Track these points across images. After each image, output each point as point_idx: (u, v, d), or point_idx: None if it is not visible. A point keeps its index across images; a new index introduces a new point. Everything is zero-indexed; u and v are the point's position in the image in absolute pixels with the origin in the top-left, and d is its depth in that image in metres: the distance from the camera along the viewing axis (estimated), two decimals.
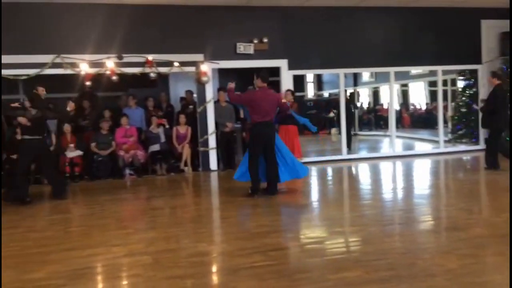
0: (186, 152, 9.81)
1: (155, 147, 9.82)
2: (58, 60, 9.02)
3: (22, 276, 3.90)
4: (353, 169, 9.95)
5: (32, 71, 8.95)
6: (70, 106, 7.68)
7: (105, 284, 3.83)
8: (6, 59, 8.73)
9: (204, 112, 10.05)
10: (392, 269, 3.75)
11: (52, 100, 11.07)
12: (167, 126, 9.97)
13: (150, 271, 3.92)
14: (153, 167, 9.89)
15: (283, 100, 7.46)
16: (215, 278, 3.85)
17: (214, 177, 9.53)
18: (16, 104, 7.75)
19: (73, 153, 9.23)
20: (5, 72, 8.85)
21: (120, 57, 9.32)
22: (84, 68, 9.13)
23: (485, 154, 8.92)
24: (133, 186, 8.83)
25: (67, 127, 9.43)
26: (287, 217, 6.11)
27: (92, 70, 9.21)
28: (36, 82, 9.49)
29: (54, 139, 9.40)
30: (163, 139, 9.91)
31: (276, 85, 10.51)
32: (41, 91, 7.63)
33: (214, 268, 4.09)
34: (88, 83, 9.38)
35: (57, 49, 9.01)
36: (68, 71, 9.15)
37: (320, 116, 15.96)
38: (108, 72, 9.29)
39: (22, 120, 7.20)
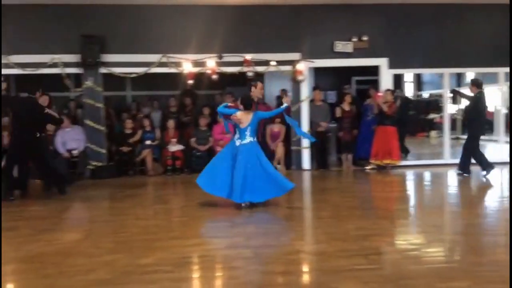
0: (280, 150, 9.89)
1: None
2: (164, 60, 9.54)
3: (133, 261, 4.18)
4: (456, 175, 9.39)
5: (140, 70, 9.54)
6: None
7: (208, 273, 3.98)
8: (116, 58, 9.41)
9: (298, 111, 10.07)
10: (505, 282, 3.49)
11: (156, 97, 11.80)
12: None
13: (251, 264, 4.01)
14: None
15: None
16: (315, 277, 3.84)
17: (306, 177, 9.52)
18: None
19: (175, 147, 9.72)
20: (115, 70, 9.54)
21: (220, 57, 9.64)
22: (187, 67, 9.56)
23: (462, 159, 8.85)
24: None
25: (170, 123, 9.95)
26: (386, 221, 5.92)
27: (194, 69, 9.62)
28: (143, 80, 10.17)
29: (158, 134, 9.97)
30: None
31: (375, 85, 10.26)
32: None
33: (314, 267, 4.09)
34: (190, 81, 9.80)
35: (163, 49, 9.52)
36: (172, 70, 9.62)
37: (419, 117, 15.28)
38: (208, 71, 9.65)
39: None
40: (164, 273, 3.87)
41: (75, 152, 9.25)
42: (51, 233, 5.36)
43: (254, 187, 6.12)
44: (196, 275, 3.91)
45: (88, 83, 9.39)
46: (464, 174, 8.73)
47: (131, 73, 9.65)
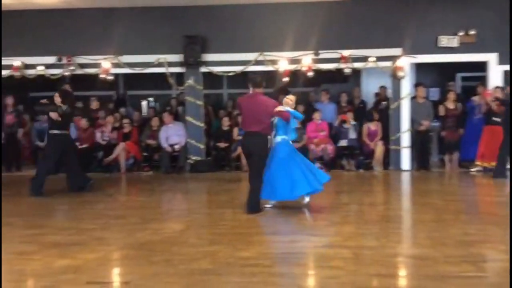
0: (379, 149, 9.61)
1: (343, 142, 9.87)
2: (260, 58, 9.69)
3: (233, 253, 4.29)
4: None
5: (238, 68, 9.78)
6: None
7: (307, 271, 3.97)
8: (216, 57, 9.75)
9: (398, 109, 9.70)
10: None
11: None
12: (352, 123, 9.87)
13: (352, 265, 3.93)
14: (340, 162, 9.97)
15: (278, 109, 5.81)
16: (421, 282, 3.67)
17: (405, 177, 9.15)
18: (45, 101, 8.14)
19: None
20: (215, 69, 9.88)
21: (316, 54, 9.58)
22: (283, 65, 9.62)
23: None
24: None
25: None
26: (494, 227, 5.49)
27: (290, 67, 9.65)
28: (238, 78, 10.41)
29: None
30: (352, 135, 9.89)
31: (482, 81, 9.58)
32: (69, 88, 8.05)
33: (418, 271, 3.91)
34: (285, 79, 9.86)
35: (260, 48, 9.67)
36: (269, 68, 9.75)
37: None
38: (304, 69, 9.64)
39: (53, 115, 7.39)
40: (264, 267, 3.93)
41: (176, 147, 9.74)
42: (157, 222, 5.69)
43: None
44: (295, 271, 3.92)
45: (190, 81, 9.82)
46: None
47: (229, 72, 9.93)
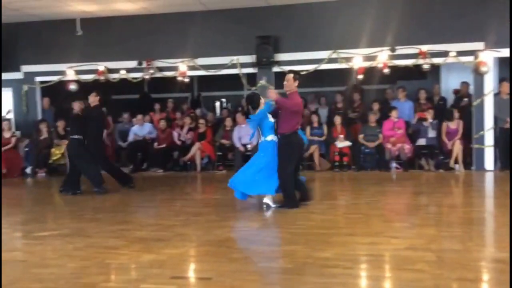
0: (457, 149, 9.16)
1: (422, 141, 9.50)
2: (334, 56, 9.57)
3: (312, 253, 4.27)
4: None
5: (310, 67, 9.73)
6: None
7: (390, 273, 3.87)
8: (288, 56, 9.76)
9: (481, 106, 9.18)
10: None
11: (322, 93, 11.92)
12: (430, 121, 9.46)
13: (436, 269, 3.77)
14: (419, 162, 9.60)
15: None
16: None
17: (489, 178, 8.64)
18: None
19: (342, 143, 9.70)
20: (286, 68, 9.85)
21: (393, 50, 9.30)
22: (358, 62, 9.44)
23: None
24: (400, 180, 8.74)
25: (337, 119, 9.95)
26: None
27: (365, 64, 9.44)
28: (309, 77, 10.33)
29: (325, 130, 10.05)
30: (431, 133, 9.49)
31: None
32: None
33: (503, 277, 3.67)
34: (359, 76, 9.67)
35: (333, 45, 9.56)
36: (342, 66, 9.60)
37: None
38: (380, 65, 9.39)
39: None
40: (344, 268, 3.87)
41: (249, 146, 9.86)
42: (233, 220, 5.81)
43: None
44: (376, 274, 3.83)
45: (262, 81, 9.91)
46: None
47: (301, 71, 9.87)
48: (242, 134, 9.95)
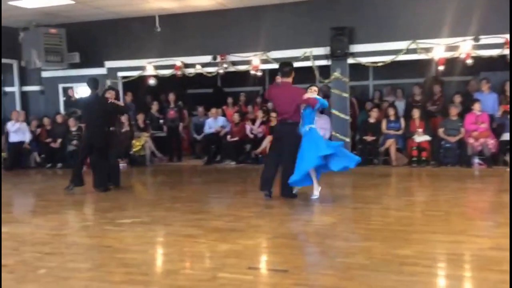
0: None
1: (506, 136, 8.89)
2: (412, 46, 9.20)
3: (390, 250, 4.14)
4: None
5: (387, 58, 9.42)
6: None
7: (473, 273, 3.67)
8: (364, 47, 9.52)
9: None
10: None
11: (398, 85, 11.51)
12: None
13: None
14: (503, 158, 9.01)
15: (306, 96, 6.11)
16: None
17: None
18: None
19: (421, 137, 9.32)
20: (362, 60, 9.65)
21: (476, 39, 8.77)
22: (438, 52, 9.00)
23: None
24: (483, 176, 8.26)
25: (415, 112, 9.56)
26: None
27: (446, 54, 8.99)
28: (385, 68, 10.01)
29: (403, 123, 9.70)
30: None
31: None
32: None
33: None
34: (440, 67, 9.22)
35: (412, 35, 9.18)
36: (421, 57, 9.20)
37: None
38: (462, 56, 8.89)
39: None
40: (424, 267, 3.73)
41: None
42: (307, 214, 5.78)
43: None
44: (459, 273, 3.65)
45: (336, 73, 9.74)
46: None
47: (377, 62, 9.62)
48: (316, 126, 9.83)
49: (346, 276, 3.58)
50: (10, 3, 9.23)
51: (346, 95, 9.85)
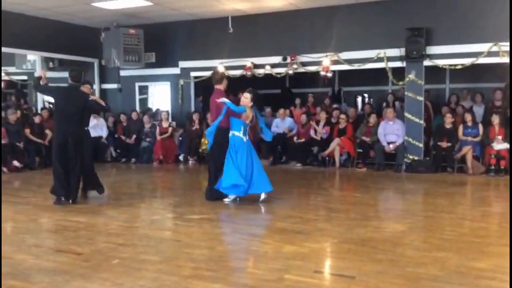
0: None
1: None
2: (494, 49, 8.68)
3: (465, 262, 3.93)
4: None
5: (466, 61, 8.96)
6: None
7: None
8: (441, 49, 9.11)
9: None
10: None
11: (477, 90, 10.91)
12: None
13: None
14: None
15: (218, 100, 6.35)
16: None
17: None
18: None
19: (500, 145, 8.76)
20: (439, 62, 9.24)
21: None
22: None
23: None
24: None
25: (495, 118, 9.00)
26: None
27: None
28: (463, 72, 9.51)
29: (481, 130, 9.17)
30: None
31: None
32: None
33: None
34: None
35: (494, 37, 8.66)
36: (504, 60, 8.65)
37: None
38: None
39: None
40: (501, 282, 3.50)
41: (393, 145, 9.46)
42: (377, 220, 5.61)
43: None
44: None
45: (411, 76, 9.40)
46: None
47: (456, 65, 9.17)
48: (388, 130, 9.58)
49: (417, 286, 3.43)
50: (94, 4, 9.75)
51: (420, 98, 9.47)
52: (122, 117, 11.63)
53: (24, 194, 7.23)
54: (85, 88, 6.93)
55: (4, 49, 10.16)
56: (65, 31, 11.21)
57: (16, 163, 9.65)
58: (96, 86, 12.55)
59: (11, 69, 13.24)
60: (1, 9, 8.62)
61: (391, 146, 9.48)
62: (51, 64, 12.30)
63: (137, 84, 12.38)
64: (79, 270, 3.79)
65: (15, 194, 7.31)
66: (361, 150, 9.99)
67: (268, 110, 11.85)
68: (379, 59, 9.63)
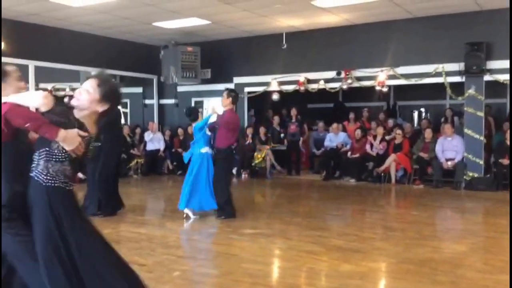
0: None
1: None
2: None
3: None
4: None
5: None
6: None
7: None
8: (502, 64, 8.79)
9: None
10: None
11: None
12: None
13: None
14: None
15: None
16: None
17: None
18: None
19: None
20: (499, 77, 8.93)
21: None
22: None
23: None
24: None
25: None
26: None
27: None
28: None
29: None
30: None
31: None
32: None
33: None
34: None
35: None
36: None
37: None
38: None
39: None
40: None
41: (452, 162, 9.19)
42: (435, 240, 5.48)
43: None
44: None
45: (470, 91, 9.13)
46: None
47: None
48: (446, 147, 9.33)
49: None
50: (154, 24, 10.20)
51: (481, 114, 9.17)
52: (179, 131, 11.99)
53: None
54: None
55: (69, 67, 10.83)
56: (127, 49, 11.76)
57: (80, 175, 10.15)
58: (154, 102, 13.03)
59: (76, 85, 14.00)
60: (1, 18, 8.68)
61: (449, 163, 9.22)
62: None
63: (193, 100, 12.74)
64: (145, 281, 3.95)
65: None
66: (418, 166, 9.76)
67: (321, 124, 11.86)
68: (437, 74, 9.43)
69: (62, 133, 2.63)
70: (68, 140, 2.68)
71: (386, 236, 5.59)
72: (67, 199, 2.80)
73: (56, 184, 2.72)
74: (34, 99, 2.70)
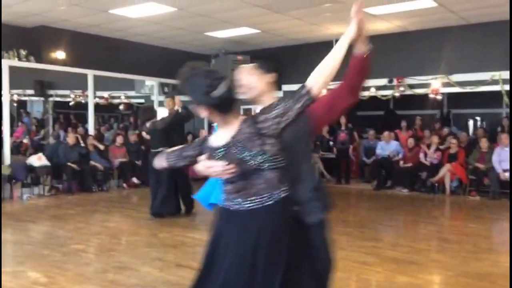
0: None
1: None
2: None
3: None
4: None
5: None
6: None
7: None
8: None
9: None
10: None
11: None
12: None
13: None
14: None
15: None
16: None
17: None
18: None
19: None
20: None
21: None
22: None
23: None
24: None
25: None
26: None
27: None
28: None
29: None
30: None
31: None
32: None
33: None
34: None
35: None
36: None
37: None
38: None
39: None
40: None
41: (508, 174, 8.83)
42: (494, 253, 5.30)
43: None
44: None
45: None
46: None
47: None
48: (503, 158, 8.98)
49: None
50: (206, 33, 10.44)
51: None
52: None
53: (143, 209, 7.82)
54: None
55: (125, 75, 11.26)
56: (179, 58, 11.98)
57: (135, 179, 10.52)
58: None
59: (131, 93, 14.51)
60: (1, 21, 8.64)
61: (506, 174, 8.86)
62: (166, 89, 13.27)
63: (241, 107, 12.86)
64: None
65: (136, 209, 7.97)
66: (474, 177, 9.44)
67: (371, 132, 11.69)
68: (494, 82, 9.12)
69: None
70: None
71: (441, 248, 5.45)
72: None
73: None
74: None
